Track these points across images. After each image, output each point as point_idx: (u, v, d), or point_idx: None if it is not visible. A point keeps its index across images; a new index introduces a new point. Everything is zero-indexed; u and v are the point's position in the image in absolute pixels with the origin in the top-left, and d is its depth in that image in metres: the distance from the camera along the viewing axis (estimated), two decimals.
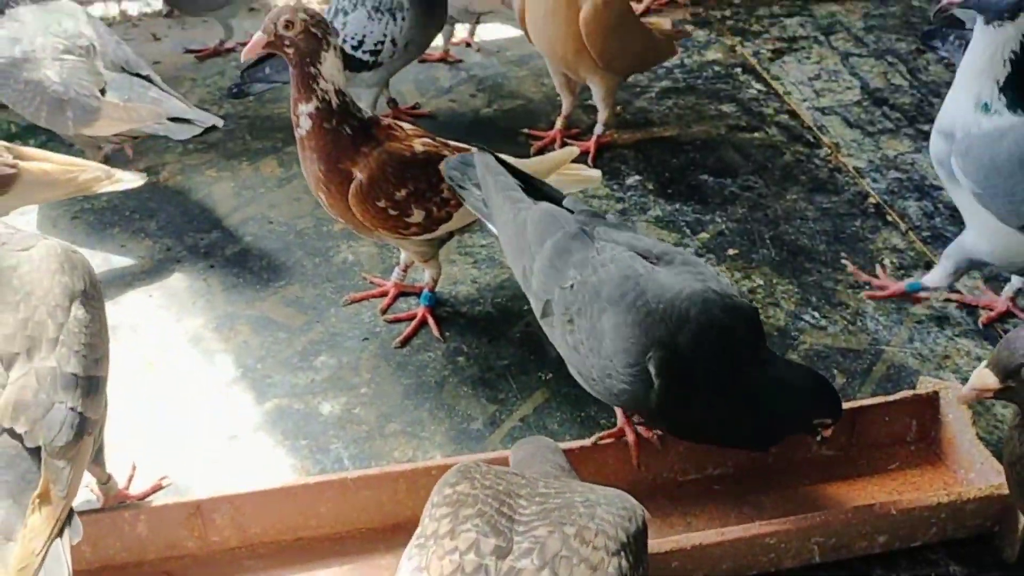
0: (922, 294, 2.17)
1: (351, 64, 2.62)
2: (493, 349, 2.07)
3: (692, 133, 2.84)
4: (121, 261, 2.33)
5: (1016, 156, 1.80)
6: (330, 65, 1.69)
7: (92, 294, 1.44)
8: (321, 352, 2.06)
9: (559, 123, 2.72)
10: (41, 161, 1.99)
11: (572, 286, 1.59)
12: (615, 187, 2.61)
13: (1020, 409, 1.34)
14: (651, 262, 1.58)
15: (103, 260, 2.30)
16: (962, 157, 1.85)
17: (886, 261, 2.30)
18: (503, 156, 1.85)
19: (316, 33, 1.67)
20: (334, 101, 1.71)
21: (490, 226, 1.84)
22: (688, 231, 2.43)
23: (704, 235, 2.42)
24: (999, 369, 1.28)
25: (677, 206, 2.53)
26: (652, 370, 1.48)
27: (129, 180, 2.11)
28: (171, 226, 2.43)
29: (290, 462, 1.83)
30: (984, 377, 1.29)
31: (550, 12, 2.38)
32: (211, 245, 2.37)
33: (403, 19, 2.56)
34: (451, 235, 2.04)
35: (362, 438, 1.87)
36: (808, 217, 2.48)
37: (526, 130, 2.77)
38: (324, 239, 2.38)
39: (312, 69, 1.69)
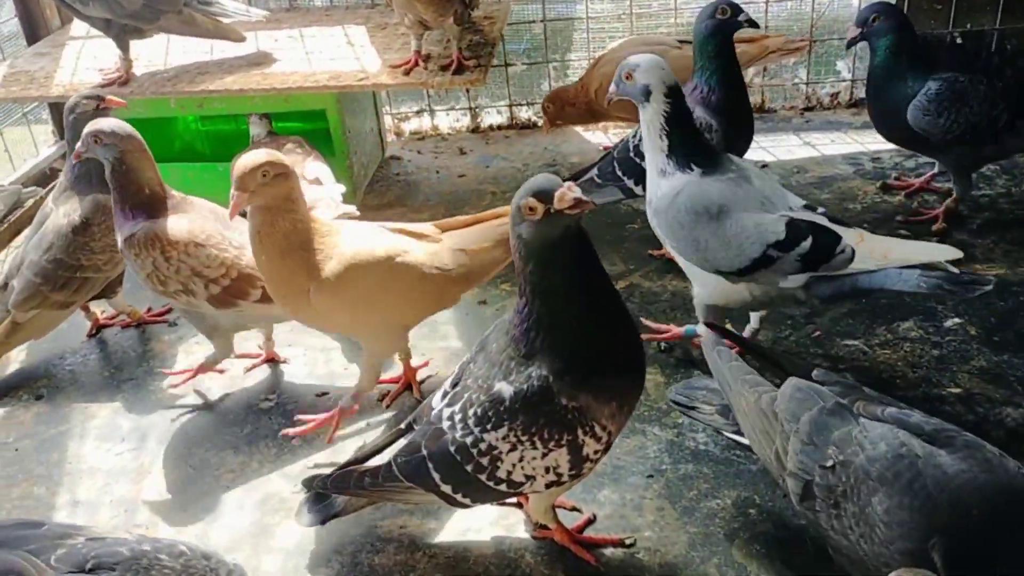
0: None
1: None
2: (788, 505, 1.91)
3: (1022, 273, 2.53)
4: None
5: (690, 208, 2.04)
6: None
7: None
8: (604, 485, 2.00)
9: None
10: None
11: (834, 466, 1.48)
12: (931, 330, 2.37)
13: None
14: (925, 441, 1.43)
15: None
16: (656, 218, 2.13)
17: None
18: (730, 330, 1.93)
19: None
20: None
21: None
22: (1019, 388, 2.14)
23: None
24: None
25: (1005, 357, 2.24)
26: (937, 560, 1.33)
27: None
28: None
29: None
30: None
31: None
32: None
33: None
34: None
35: None
36: None
37: None
38: None
39: None
